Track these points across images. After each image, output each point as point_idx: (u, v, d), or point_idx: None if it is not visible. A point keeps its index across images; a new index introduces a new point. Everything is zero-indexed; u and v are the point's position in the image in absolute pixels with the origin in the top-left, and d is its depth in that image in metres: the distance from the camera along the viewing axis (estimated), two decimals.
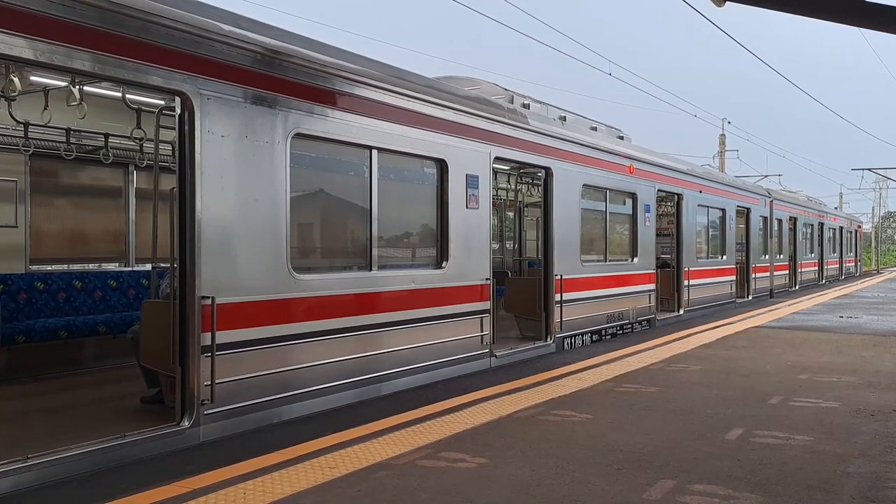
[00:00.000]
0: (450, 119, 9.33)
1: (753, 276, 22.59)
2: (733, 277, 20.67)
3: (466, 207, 9.65)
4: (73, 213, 9.92)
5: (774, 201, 25.22)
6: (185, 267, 6.23)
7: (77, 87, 7.48)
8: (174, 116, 6.35)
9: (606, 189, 13.52)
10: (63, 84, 7.63)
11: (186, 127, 6.23)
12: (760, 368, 9.11)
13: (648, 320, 15.13)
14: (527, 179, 15.53)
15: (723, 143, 43.12)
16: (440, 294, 9.19)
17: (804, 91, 25.35)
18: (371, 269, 8.24)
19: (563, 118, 12.77)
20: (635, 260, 14.62)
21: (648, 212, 15.08)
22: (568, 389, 7.81)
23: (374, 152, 8.25)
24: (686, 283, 17.03)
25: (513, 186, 15.72)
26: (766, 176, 41.28)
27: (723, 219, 19.83)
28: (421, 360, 8.82)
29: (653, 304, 15.30)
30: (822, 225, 33.42)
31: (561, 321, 11.66)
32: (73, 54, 5.37)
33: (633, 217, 14.62)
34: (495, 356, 10.17)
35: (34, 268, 9.09)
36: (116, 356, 9.09)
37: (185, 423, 6.16)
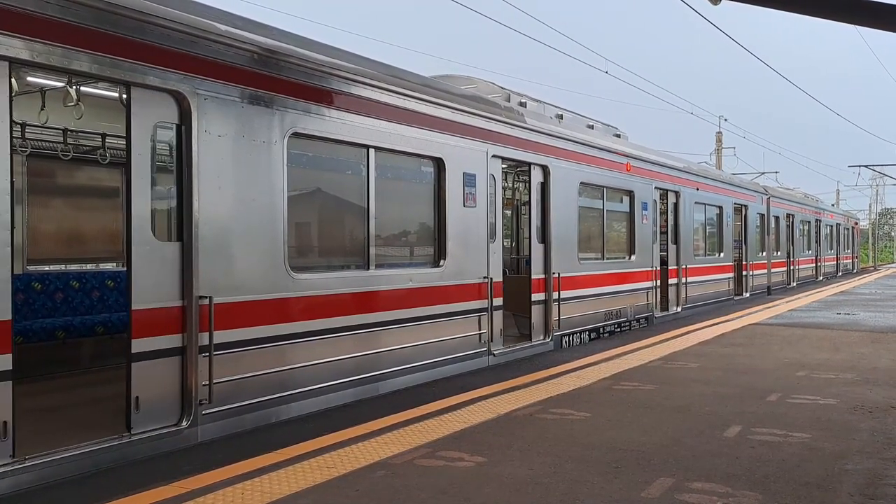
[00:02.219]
0: (447, 118, 9.33)
1: (751, 273, 22.62)
2: (731, 274, 20.70)
3: (464, 206, 9.65)
4: (70, 213, 9.90)
5: (771, 198, 25.25)
6: (183, 267, 6.23)
7: (74, 87, 7.47)
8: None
9: (604, 187, 13.53)
10: (60, 84, 7.62)
11: (183, 127, 6.23)
12: (758, 365, 9.12)
13: (646, 318, 15.14)
14: (524, 178, 15.52)
15: (719, 141, 43.18)
16: (438, 293, 9.19)
17: (801, 88, 25.38)
18: (369, 268, 8.23)
19: (560, 116, 12.78)
20: (633, 258, 14.63)
21: (646, 209, 15.10)
22: (566, 387, 7.81)
23: (372, 151, 8.24)
24: (684, 280, 17.05)
25: (510, 184, 15.72)
26: (762, 173, 41.33)
27: (720, 216, 19.86)
28: (419, 359, 8.83)
29: (651, 301, 15.32)
30: (819, 222, 33.47)
31: (559, 319, 11.66)
32: (69, 55, 5.37)
33: (631, 215, 14.63)
34: (493, 354, 10.17)
35: (31, 268, 9.07)
36: (114, 356, 9.07)
37: (184, 424, 6.16)
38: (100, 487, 5.00)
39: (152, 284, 6.00)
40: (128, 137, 5.84)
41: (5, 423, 5.19)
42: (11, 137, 5.20)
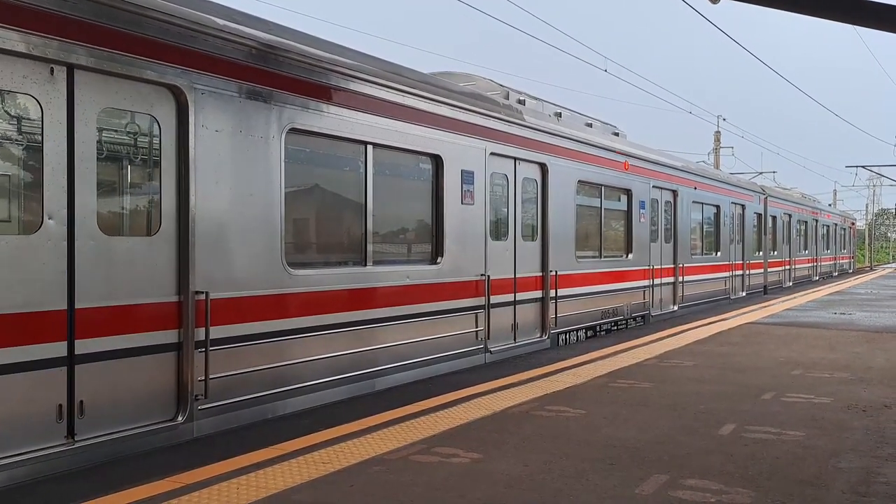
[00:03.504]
0: (445, 115, 9.33)
1: (747, 272, 22.65)
2: (727, 274, 20.73)
3: (462, 203, 9.66)
4: None
5: (769, 198, 25.28)
6: (180, 262, 6.23)
7: None
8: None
9: (601, 185, 13.54)
10: None
11: (180, 122, 6.22)
12: (754, 364, 9.15)
13: (643, 316, 15.16)
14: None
15: (718, 140, 43.20)
16: (435, 290, 9.20)
17: (799, 88, 25.39)
18: (366, 265, 8.24)
19: (559, 114, 12.78)
20: (630, 256, 14.64)
21: (643, 208, 15.11)
22: (562, 385, 7.83)
23: (369, 148, 8.24)
24: (681, 279, 17.06)
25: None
26: (760, 173, 41.38)
27: (717, 215, 19.88)
28: (415, 356, 8.83)
29: (647, 299, 15.34)
30: (816, 222, 33.53)
31: (556, 317, 11.67)
32: (67, 48, 5.36)
33: (628, 213, 14.64)
34: (490, 352, 10.18)
35: None
36: None
37: (180, 419, 6.16)
38: (96, 482, 5.00)
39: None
40: (70, 124, 5.50)
41: (61, 405, 5.30)
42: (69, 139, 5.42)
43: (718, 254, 20.01)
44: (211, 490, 4.51)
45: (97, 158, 5.69)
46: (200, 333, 6.26)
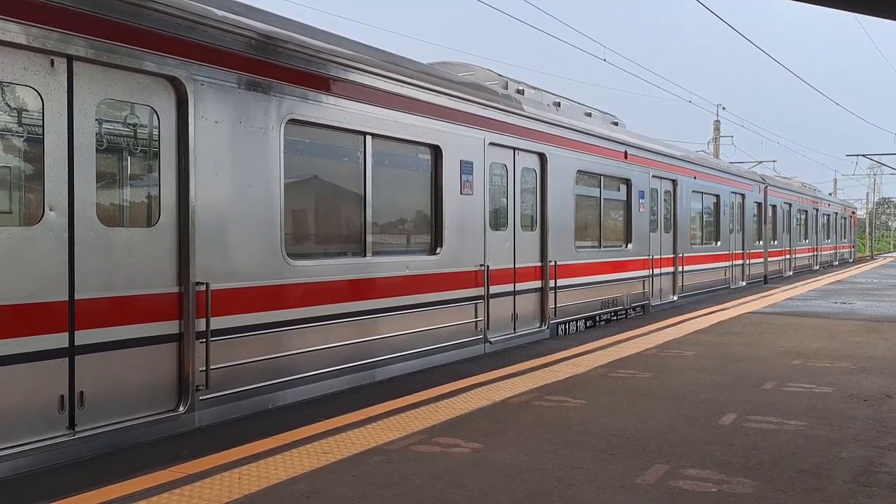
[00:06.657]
0: (444, 105, 9.31)
1: (748, 261, 22.65)
2: (727, 263, 20.73)
3: (461, 193, 9.64)
4: None
5: (769, 187, 25.24)
6: (180, 253, 6.23)
7: None
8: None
9: (601, 175, 13.52)
10: None
11: (180, 113, 6.21)
12: (754, 354, 9.15)
13: (643, 306, 15.17)
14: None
15: (717, 129, 43.08)
16: (434, 280, 9.20)
17: (799, 77, 25.35)
18: (365, 256, 8.24)
19: (558, 104, 12.75)
20: (629, 246, 14.64)
21: (643, 198, 15.09)
22: (562, 375, 7.83)
23: (368, 138, 8.23)
24: (680, 269, 17.06)
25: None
26: (760, 162, 41.33)
27: (717, 205, 19.86)
28: (415, 346, 8.84)
29: (647, 289, 15.34)
30: (816, 211, 33.51)
31: (555, 307, 11.68)
32: (66, 39, 5.34)
33: (628, 203, 14.63)
34: (490, 342, 10.19)
35: None
36: None
37: (181, 409, 6.17)
38: (97, 472, 5.01)
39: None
40: (70, 115, 5.46)
41: (62, 396, 5.30)
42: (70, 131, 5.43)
43: (718, 243, 20.00)
44: (213, 480, 4.52)
45: (97, 150, 5.70)
46: (201, 324, 6.27)
